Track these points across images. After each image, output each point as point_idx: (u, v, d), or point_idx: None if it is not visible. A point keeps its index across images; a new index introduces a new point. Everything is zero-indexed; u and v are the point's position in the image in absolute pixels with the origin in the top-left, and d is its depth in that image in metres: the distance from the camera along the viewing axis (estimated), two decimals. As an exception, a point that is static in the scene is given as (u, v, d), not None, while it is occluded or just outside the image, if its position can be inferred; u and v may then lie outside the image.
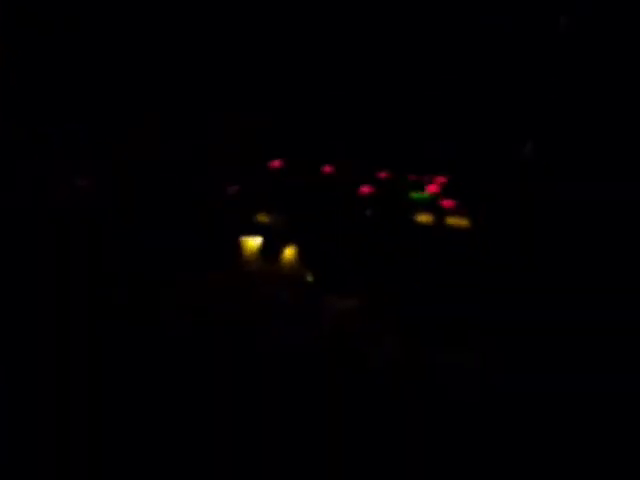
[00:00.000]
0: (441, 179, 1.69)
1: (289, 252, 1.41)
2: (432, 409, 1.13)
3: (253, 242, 1.41)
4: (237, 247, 1.39)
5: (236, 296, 1.27)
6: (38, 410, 1.06)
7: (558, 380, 1.20)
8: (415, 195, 1.58)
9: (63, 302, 1.20)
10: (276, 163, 1.84)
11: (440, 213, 1.49)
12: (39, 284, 1.23)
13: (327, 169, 1.79)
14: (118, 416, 1.08)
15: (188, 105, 1.72)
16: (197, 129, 1.67)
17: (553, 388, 1.20)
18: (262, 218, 1.47)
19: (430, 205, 1.55)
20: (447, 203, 1.50)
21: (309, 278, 1.34)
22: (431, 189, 1.64)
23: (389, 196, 1.58)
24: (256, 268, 1.37)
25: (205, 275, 1.29)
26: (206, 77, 1.75)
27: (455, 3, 1.77)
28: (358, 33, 1.80)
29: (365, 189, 1.62)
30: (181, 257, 1.36)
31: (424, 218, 1.48)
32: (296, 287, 1.32)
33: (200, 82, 1.77)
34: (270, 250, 1.41)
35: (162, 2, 1.79)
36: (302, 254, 1.40)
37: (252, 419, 1.12)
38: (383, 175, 1.75)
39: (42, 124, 1.69)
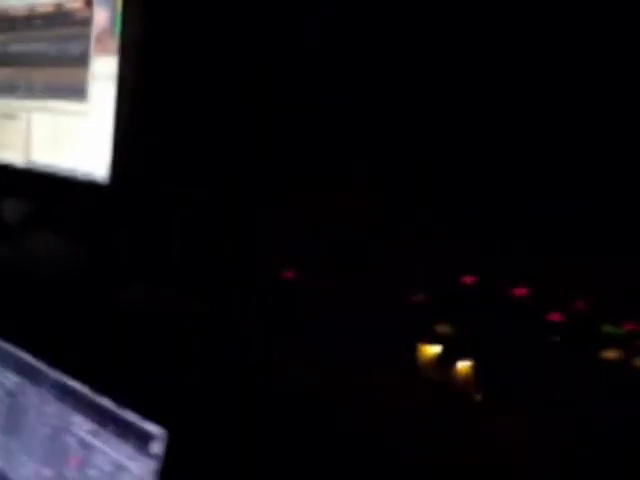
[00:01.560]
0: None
1: (465, 367, 1.44)
2: None
3: (431, 350, 1.46)
4: (415, 353, 1.46)
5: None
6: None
7: None
8: (608, 329, 1.53)
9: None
10: (469, 279, 1.89)
11: (631, 351, 1.43)
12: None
13: (520, 291, 1.80)
14: None
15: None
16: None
17: None
18: (443, 328, 1.53)
19: (623, 342, 1.49)
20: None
21: (477, 397, 1.35)
22: (628, 326, 1.58)
23: (580, 326, 1.54)
24: (430, 376, 1.41)
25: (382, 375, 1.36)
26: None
27: None
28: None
29: (555, 316, 1.61)
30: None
31: (611, 354, 1.43)
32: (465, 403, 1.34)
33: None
34: (446, 361, 1.45)
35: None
36: (477, 371, 1.42)
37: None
38: (579, 304, 1.72)
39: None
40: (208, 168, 1.87)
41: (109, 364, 1.31)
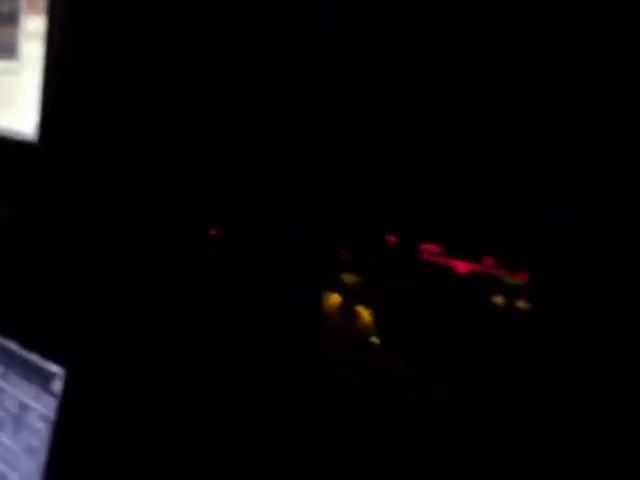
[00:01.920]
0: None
1: (367, 313, 1.51)
2: None
3: (336, 298, 1.53)
4: (322, 300, 1.52)
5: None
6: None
7: None
8: (508, 280, 1.61)
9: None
10: (391, 238, 1.96)
11: (518, 296, 1.51)
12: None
13: (430, 247, 1.88)
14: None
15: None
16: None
17: None
18: (348, 278, 1.59)
19: (517, 290, 1.57)
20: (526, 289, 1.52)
21: (374, 340, 1.42)
22: (522, 276, 1.66)
23: (482, 278, 1.62)
24: (332, 323, 1.48)
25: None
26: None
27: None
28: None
29: (462, 267, 1.68)
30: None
31: (499, 300, 1.51)
32: (362, 345, 1.41)
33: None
34: (348, 308, 1.52)
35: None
36: (377, 318, 1.49)
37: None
38: (487, 260, 1.80)
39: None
40: (138, 129, 1.90)
41: (16, 309, 1.35)
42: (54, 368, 1.20)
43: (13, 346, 1.29)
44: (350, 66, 1.84)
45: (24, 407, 1.24)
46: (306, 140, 1.93)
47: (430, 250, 1.80)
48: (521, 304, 1.54)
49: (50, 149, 1.94)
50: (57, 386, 1.19)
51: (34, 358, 1.24)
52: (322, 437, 1.28)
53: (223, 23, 1.91)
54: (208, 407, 1.22)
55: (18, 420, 1.24)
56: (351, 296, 1.54)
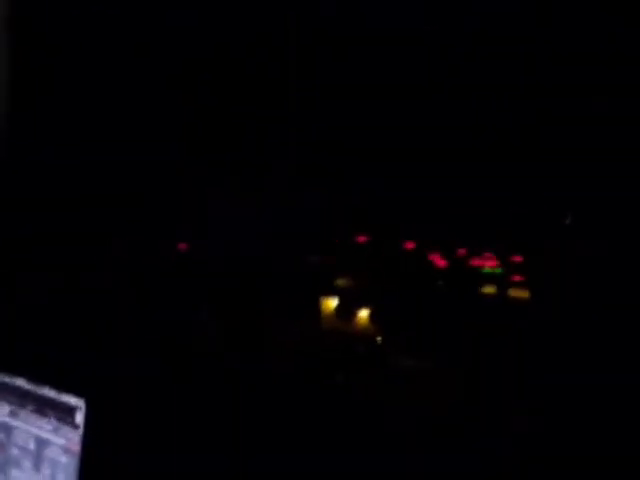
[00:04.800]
0: (516, 258, 1.80)
1: (363, 314, 1.56)
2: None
3: (331, 302, 1.57)
4: (318, 306, 1.56)
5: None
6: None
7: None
8: (486, 270, 1.70)
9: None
10: (362, 238, 2.02)
11: (504, 285, 1.60)
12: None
13: (408, 245, 1.95)
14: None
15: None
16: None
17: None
18: (340, 282, 1.64)
19: (499, 279, 1.65)
20: (516, 278, 1.61)
21: (378, 339, 1.48)
22: (496, 264, 1.76)
23: (461, 270, 1.70)
24: (331, 325, 1.52)
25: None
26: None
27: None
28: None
29: (441, 262, 1.76)
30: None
31: (489, 289, 1.59)
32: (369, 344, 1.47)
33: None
34: (345, 310, 1.57)
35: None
36: (375, 317, 1.55)
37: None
38: (461, 251, 1.89)
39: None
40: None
41: (19, 346, 1.33)
42: (72, 400, 1.20)
43: (24, 384, 1.27)
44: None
45: (43, 442, 1.23)
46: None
47: (407, 246, 1.87)
48: (503, 292, 1.62)
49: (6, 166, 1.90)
50: (78, 418, 1.19)
51: (47, 392, 1.23)
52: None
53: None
54: (222, 429, 1.24)
55: (38, 455, 1.23)
56: (347, 298, 1.58)
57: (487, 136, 1.74)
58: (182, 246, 1.82)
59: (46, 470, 1.22)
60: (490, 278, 1.68)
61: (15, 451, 1.28)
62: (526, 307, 1.53)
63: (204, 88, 1.87)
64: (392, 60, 1.89)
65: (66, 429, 1.20)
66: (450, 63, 1.78)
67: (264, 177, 1.84)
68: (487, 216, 1.76)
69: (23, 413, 1.27)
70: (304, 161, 1.91)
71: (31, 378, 1.27)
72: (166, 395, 1.22)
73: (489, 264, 1.71)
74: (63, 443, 1.20)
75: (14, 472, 1.28)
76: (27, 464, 1.25)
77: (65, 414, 1.20)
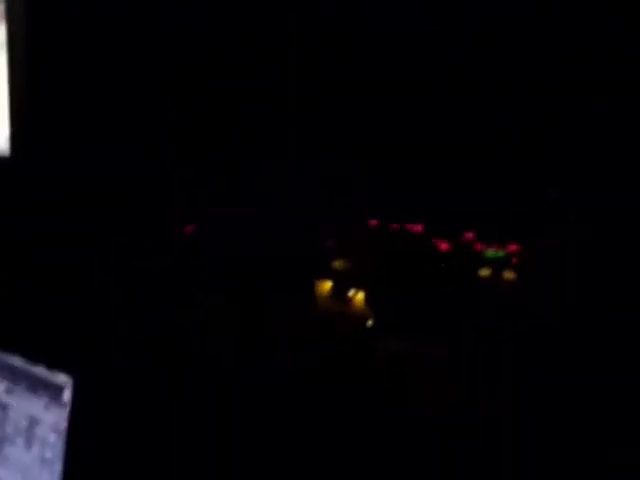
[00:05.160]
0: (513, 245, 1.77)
1: (359, 296, 1.55)
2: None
3: (327, 285, 1.56)
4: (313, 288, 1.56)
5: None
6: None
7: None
8: (490, 254, 1.67)
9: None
10: (373, 222, 2.01)
11: (503, 267, 1.57)
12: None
13: (416, 228, 1.93)
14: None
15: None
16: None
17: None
18: (338, 264, 1.63)
19: (504, 264, 1.62)
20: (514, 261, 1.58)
21: (369, 322, 1.47)
22: (511, 247, 1.72)
23: (465, 253, 1.67)
24: (326, 307, 1.52)
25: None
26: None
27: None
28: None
29: (444, 245, 1.73)
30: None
31: (485, 272, 1.56)
32: (358, 328, 1.46)
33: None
34: (340, 293, 1.56)
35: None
36: (368, 299, 1.54)
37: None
38: (468, 235, 1.86)
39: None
40: (106, 137, 1.90)
41: (16, 325, 1.36)
42: (61, 378, 1.22)
43: (17, 361, 1.30)
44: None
45: (34, 421, 1.25)
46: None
47: (413, 230, 1.85)
48: (506, 275, 1.59)
49: (22, 161, 1.93)
50: (66, 396, 1.21)
51: (40, 371, 1.26)
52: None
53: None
54: (209, 410, 1.25)
55: (29, 434, 1.26)
56: (342, 281, 1.57)
57: (487, 136, 1.71)
58: (188, 229, 1.83)
59: (36, 448, 1.25)
60: (491, 262, 1.64)
61: (10, 428, 1.31)
62: (515, 290, 1.51)
63: (199, 90, 1.87)
64: (392, 60, 1.87)
65: (55, 407, 1.22)
66: (450, 63, 1.75)
67: (264, 174, 1.83)
68: (494, 202, 1.72)
69: (18, 390, 1.30)
70: (304, 159, 1.91)
71: (25, 356, 1.29)
72: (156, 387, 1.24)
73: (493, 248, 1.68)
74: (52, 421, 1.23)
75: (8, 449, 1.31)
76: (20, 441, 1.28)
77: (55, 392, 1.22)
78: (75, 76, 1.82)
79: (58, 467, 1.20)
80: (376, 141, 1.92)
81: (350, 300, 1.54)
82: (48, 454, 1.22)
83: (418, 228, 1.96)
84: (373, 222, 2.01)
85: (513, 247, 1.73)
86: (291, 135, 1.90)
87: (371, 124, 1.91)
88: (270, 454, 1.25)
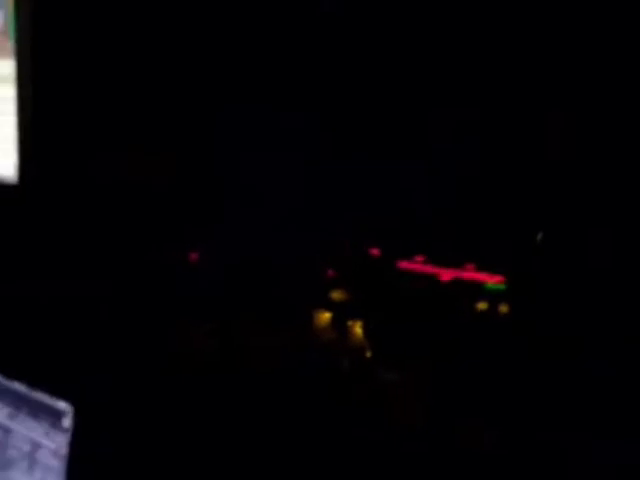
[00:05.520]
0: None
1: (357, 328, 1.58)
2: None
3: (325, 315, 1.59)
4: (311, 318, 1.58)
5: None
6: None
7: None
8: (490, 286, 1.69)
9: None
10: (375, 251, 2.03)
11: (498, 300, 1.59)
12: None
13: (417, 260, 1.95)
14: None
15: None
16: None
17: None
18: (336, 295, 1.66)
19: (500, 296, 1.65)
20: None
21: (368, 353, 1.49)
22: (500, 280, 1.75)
23: (466, 285, 1.70)
24: (324, 337, 1.54)
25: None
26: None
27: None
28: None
29: (446, 276, 1.76)
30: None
31: (482, 305, 1.59)
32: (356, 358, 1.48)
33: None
34: (339, 323, 1.58)
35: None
36: (367, 330, 1.56)
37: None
38: (469, 267, 1.88)
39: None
40: (114, 162, 1.94)
41: (19, 352, 1.39)
42: (62, 405, 1.24)
43: (20, 387, 1.32)
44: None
45: (36, 445, 1.28)
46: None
47: (414, 260, 1.87)
48: (503, 308, 1.61)
49: (30, 188, 1.97)
50: (67, 422, 1.23)
51: (41, 397, 1.28)
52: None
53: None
54: (213, 432, 1.27)
55: (31, 458, 1.28)
56: (341, 312, 1.60)
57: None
58: (193, 256, 1.86)
59: (38, 473, 1.27)
60: (491, 294, 1.67)
61: (13, 452, 1.33)
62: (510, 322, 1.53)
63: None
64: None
65: (56, 433, 1.25)
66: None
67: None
68: (495, 232, 1.75)
69: (20, 416, 1.33)
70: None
71: (27, 382, 1.32)
72: (157, 414, 1.26)
73: (494, 280, 1.70)
74: (53, 447, 1.25)
75: (11, 473, 1.33)
76: (23, 465, 1.30)
77: (56, 418, 1.25)
78: (81, 107, 1.87)
79: (58, 492, 1.22)
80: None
81: (349, 330, 1.56)
82: (50, 479, 1.24)
83: (419, 260, 1.98)
84: (374, 252, 2.03)
85: (511, 278, 1.75)
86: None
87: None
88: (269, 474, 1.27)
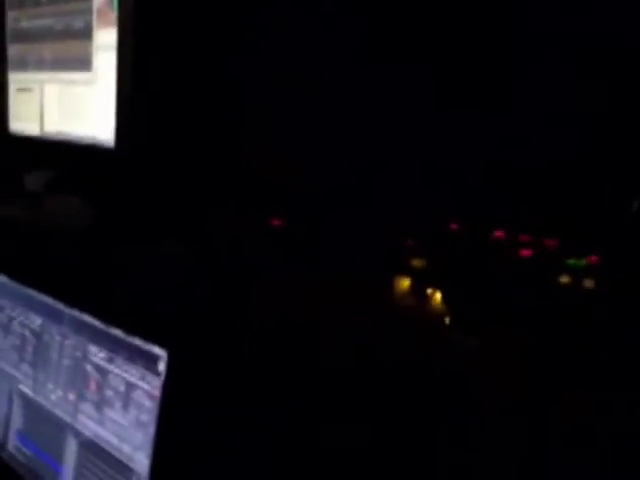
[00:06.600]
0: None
1: (437, 295, 1.60)
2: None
3: (406, 282, 1.62)
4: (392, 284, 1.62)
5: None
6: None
7: None
8: (571, 262, 1.68)
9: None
10: (454, 225, 2.04)
11: (583, 276, 1.58)
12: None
13: (498, 234, 1.95)
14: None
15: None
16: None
17: None
18: (416, 262, 1.68)
19: (584, 272, 1.63)
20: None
21: (446, 321, 1.51)
22: (591, 259, 1.72)
23: (547, 260, 1.69)
24: (404, 304, 1.57)
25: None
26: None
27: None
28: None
29: (525, 252, 1.75)
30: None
31: (565, 279, 1.58)
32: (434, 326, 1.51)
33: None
34: (419, 291, 1.61)
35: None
36: (446, 299, 1.58)
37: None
38: (549, 243, 1.87)
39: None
40: (207, 135, 2.02)
41: (118, 300, 1.49)
42: (157, 350, 1.33)
43: (118, 333, 1.42)
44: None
45: (131, 386, 1.37)
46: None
47: (496, 235, 1.88)
48: (587, 284, 1.60)
49: (127, 154, 2.08)
50: (161, 367, 1.32)
51: (138, 342, 1.37)
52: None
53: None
54: (303, 386, 1.33)
55: (127, 398, 1.38)
56: (421, 279, 1.63)
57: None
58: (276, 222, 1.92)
59: (133, 411, 1.37)
60: (572, 270, 1.66)
61: (109, 392, 1.44)
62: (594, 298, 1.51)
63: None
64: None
65: (150, 376, 1.34)
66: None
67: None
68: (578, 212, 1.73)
69: (117, 359, 1.43)
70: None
71: (125, 329, 1.42)
72: (248, 367, 1.33)
73: (575, 256, 1.69)
74: (147, 388, 1.34)
75: (107, 410, 1.44)
76: (118, 404, 1.40)
77: (150, 363, 1.34)
78: (180, 78, 1.95)
79: (152, 430, 1.31)
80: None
81: (428, 298, 1.59)
82: (143, 417, 1.33)
83: (500, 234, 1.98)
84: (454, 226, 2.04)
85: (594, 259, 1.73)
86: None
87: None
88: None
